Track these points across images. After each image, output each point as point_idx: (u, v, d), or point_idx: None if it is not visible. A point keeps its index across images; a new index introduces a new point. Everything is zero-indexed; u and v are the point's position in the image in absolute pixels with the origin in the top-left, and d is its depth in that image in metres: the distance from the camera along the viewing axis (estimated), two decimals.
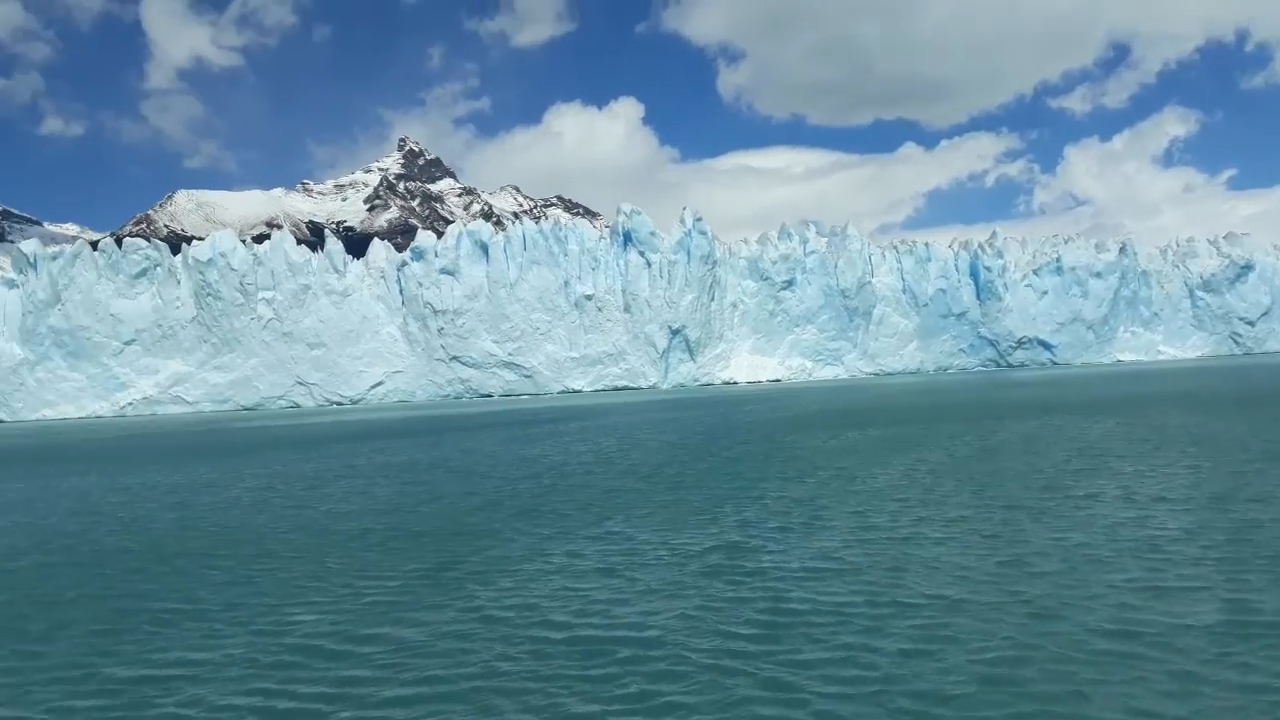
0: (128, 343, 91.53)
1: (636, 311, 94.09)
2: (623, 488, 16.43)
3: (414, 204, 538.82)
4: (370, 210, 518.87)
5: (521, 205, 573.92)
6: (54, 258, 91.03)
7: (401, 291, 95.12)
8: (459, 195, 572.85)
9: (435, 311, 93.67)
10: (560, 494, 16.07)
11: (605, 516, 13.32)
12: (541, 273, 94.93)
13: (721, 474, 17.81)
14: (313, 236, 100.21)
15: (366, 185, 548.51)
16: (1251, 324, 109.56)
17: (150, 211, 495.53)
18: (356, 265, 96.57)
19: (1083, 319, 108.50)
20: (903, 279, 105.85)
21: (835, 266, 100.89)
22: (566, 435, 30.55)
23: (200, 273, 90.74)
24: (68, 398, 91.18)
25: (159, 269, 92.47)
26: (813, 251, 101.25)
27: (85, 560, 11.94)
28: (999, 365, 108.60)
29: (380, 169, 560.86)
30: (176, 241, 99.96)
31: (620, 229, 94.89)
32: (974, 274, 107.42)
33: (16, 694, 6.78)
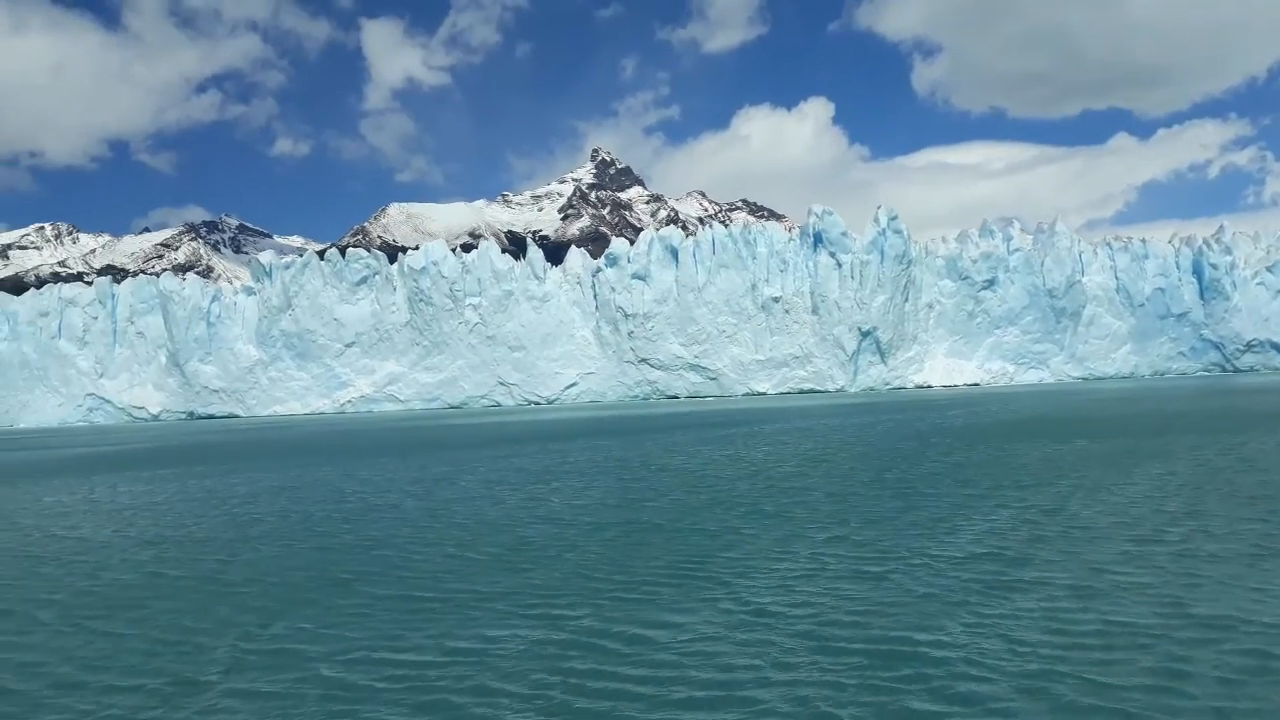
0: (348, 345, 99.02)
1: (825, 313, 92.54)
2: (847, 491, 16.20)
3: (604, 212, 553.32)
4: (564, 219, 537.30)
5: (707, 210, 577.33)
6: (286, 267, 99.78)
7: (595, 296, 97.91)
8: (647, 202, 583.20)
9: (626, 315, 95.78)
10: (783, 495, 16.04)
11: (839, 520, 13.19)
12: (729, 276, 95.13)
13: (949, 480, 17.22)
14: (512, 245, 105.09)
15: (561, 195, 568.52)
16: None
17: (366, 223, 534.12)
18: (555, 272, 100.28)
19: None
20: (1116, 277, 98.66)
21: (1041, 265, 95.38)
22: (764, 437, 30.43)
23: (414, 280, 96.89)
24: (295, 395, 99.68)
25: (377, 277, 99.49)
26: (1016, 249, 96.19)
27: (357, 546, 13.00)
28: (1224, 370, 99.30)
29: (574, 179, 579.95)
30: (390, 251, 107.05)
31: (811, 230, 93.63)
32: (1197, 272, 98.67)
33: (348, 668, 7.47)
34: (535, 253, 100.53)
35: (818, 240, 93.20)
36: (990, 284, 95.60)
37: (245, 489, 21.26)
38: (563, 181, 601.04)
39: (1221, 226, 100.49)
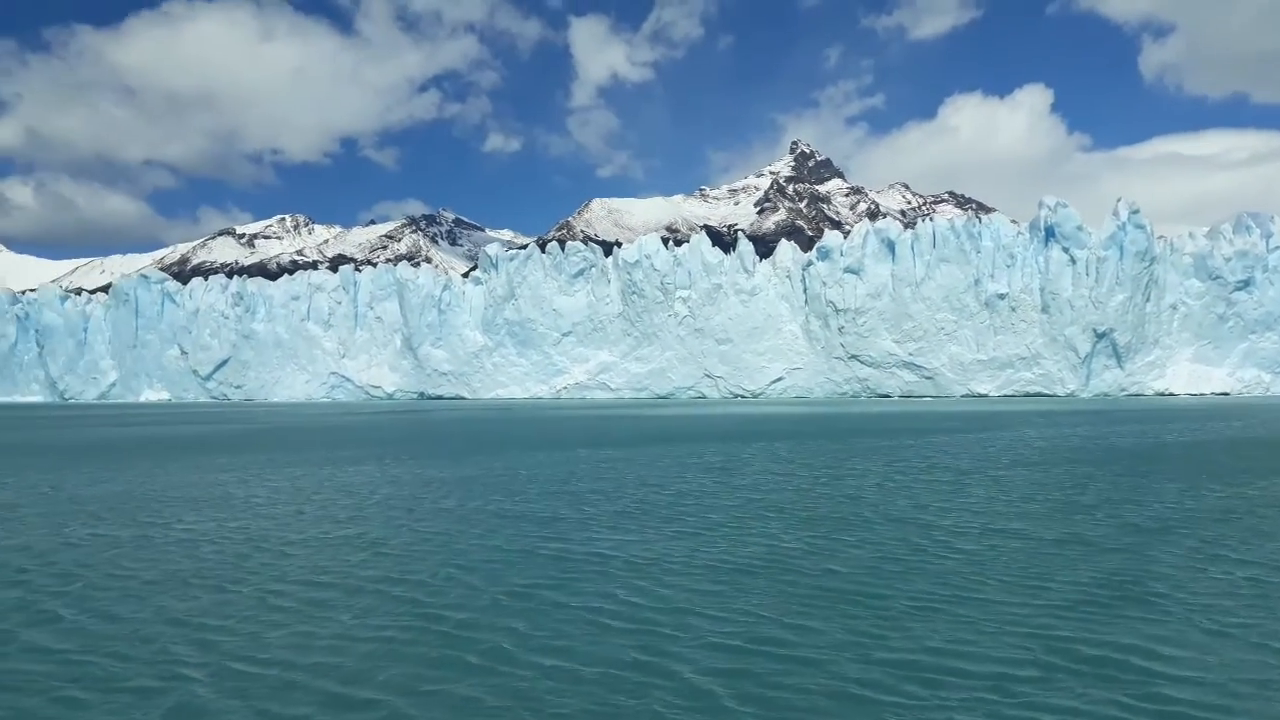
0: (565, 334, 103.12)
1: (1056, 312, 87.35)
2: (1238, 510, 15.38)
3: (801, 205, 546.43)
4: (760, 213, 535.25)
5: (909, 203, 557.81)
6: (510, 259, 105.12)
7: (805, 290, 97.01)
8: (845, 195, 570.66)
9: (837, 310, 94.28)
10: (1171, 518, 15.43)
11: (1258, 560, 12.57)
12: (950, 270, 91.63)
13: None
14: (711, 240, 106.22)
15: (757, 189, 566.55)
16: None
17: (570, 218, 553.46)
18: (764, 265, 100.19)
19: None
20: None
21: None
22: (1031, 441, 29.18)
23: (627, 273, 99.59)
24: (516, 380, 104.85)
25: (593, 269, 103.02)
26: (1277, 247, 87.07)
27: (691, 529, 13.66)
28: None
29: (771, 172, 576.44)
30: (563, 245, 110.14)
31: (1041, 224, 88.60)
32: None
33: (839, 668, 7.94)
34: (745, 246, 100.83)
35: (1049, 234, 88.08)
36: (1245, 284, 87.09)
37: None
38: (760, 175, 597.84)
39: None
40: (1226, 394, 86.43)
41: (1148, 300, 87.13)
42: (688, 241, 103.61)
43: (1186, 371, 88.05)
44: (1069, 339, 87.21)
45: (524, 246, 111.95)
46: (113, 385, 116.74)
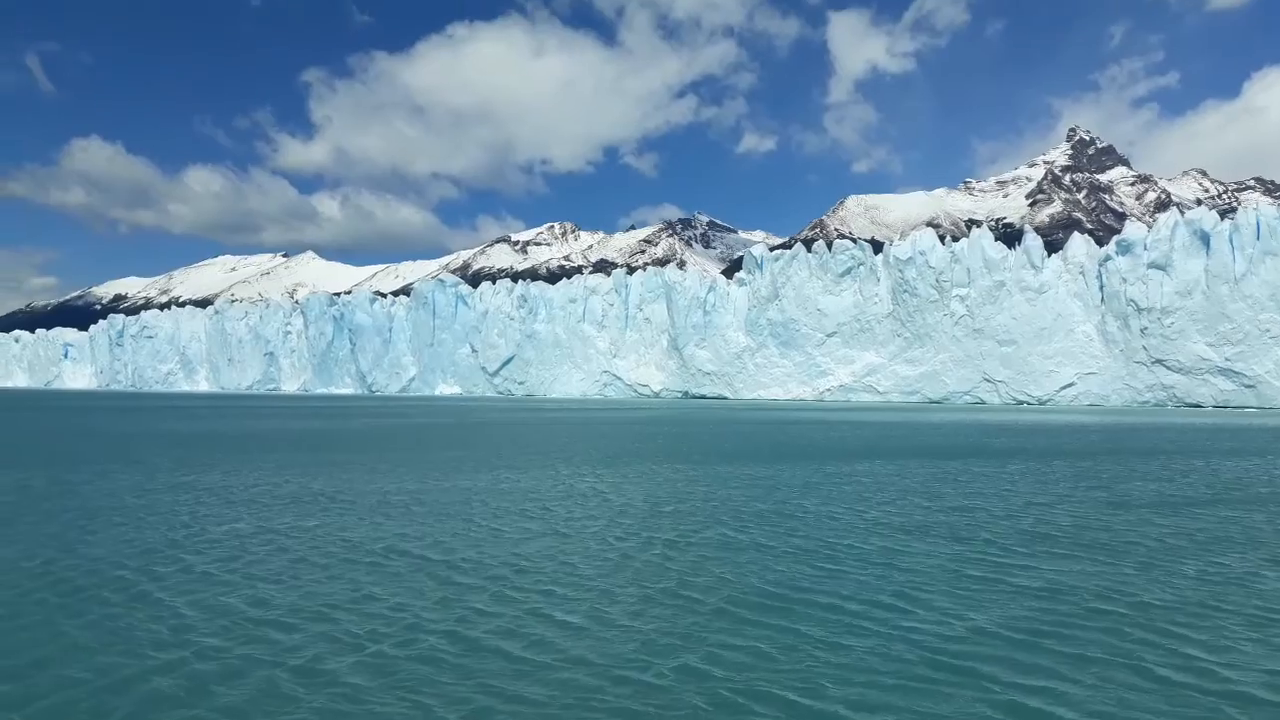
0: (830, 335, 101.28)
1: None
2: None
3: (1079, 196, 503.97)
4: (1031, 205, 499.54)
5: (1207, 191, 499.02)
6: (775, 259, 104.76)
7: (1101, 288, 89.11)
8: (1131, 184, 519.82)
9: (1139, 309, 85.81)
10: None
11: None
12: (1277, 265, 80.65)
13: None
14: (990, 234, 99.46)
15: (1030, 180, 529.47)
16: None
17: (824, 217, 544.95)
18: (1054, 261, 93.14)
19: None
20: None
21: None
22: None
23: (899, 270, 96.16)
24: (778, 381, 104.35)
25: (862, 268, 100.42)
26: None
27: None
28: None
29: (1045, 162, 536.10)
30: (829, 244, 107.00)
31: None
32: None
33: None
34: (1033, 240, 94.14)
35: None
36: None
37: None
38: (1032, 165, 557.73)
39: None
40: None
41: None
42: (957, 236, 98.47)
43: None
44: None
45: (781, 247, 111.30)
46: (412, 379, 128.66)
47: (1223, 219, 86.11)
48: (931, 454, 27.32)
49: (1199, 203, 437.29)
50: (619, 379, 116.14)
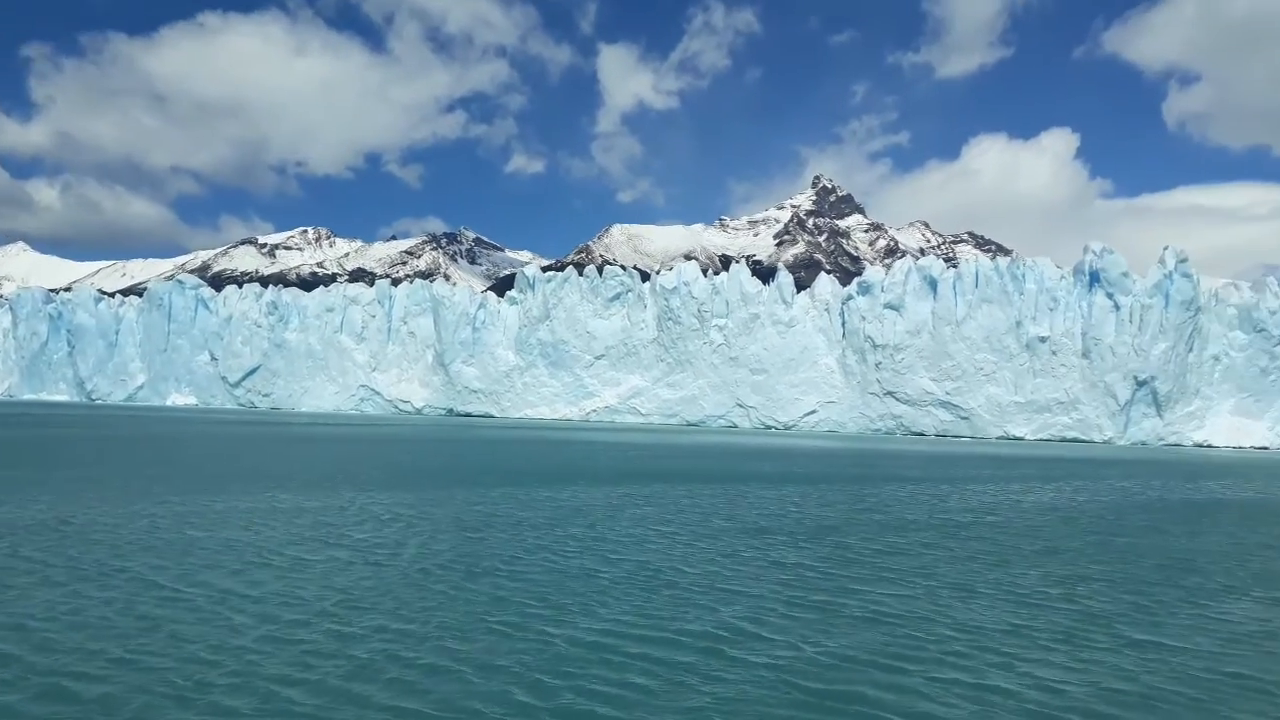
0: (598, 357, 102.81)
1: (1097, 358, 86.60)
2: None
3: (820, 239, 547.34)
4: (778, 245, 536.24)
5: (929, 241, 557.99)
6: (548, 280, 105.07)
7: (843, 325, 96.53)
8: (865, 231, 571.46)
9: (875, 345, 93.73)
10: None
11: None
12: (992, 311, 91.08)
13: None
14: (724, 270, 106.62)
15: (778, 221, 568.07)
16: None
17: (590, 242, 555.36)
18: (802, 298, 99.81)
19: None
20: None
21: None
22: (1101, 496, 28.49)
23: (665, 299, 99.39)
24: (545, 400, 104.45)
25: (630, 294, 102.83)
26: None
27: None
28: None
29: (793, 205, 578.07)
30: (600, 270, 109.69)
31: (1086, 268, 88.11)
32: None
33: None
34: (785, 277, 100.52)
35: (1093, 279, 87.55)
36: None
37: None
38: (780, 207, 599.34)
39: None
40: (1266, 448, 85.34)
41: (1190, 350, 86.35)
42: (711, 270, 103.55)
43: (1227, 424, 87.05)
44: (1109, 385, 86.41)
45: (550, 269, 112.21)
46: (140, 388, 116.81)
47: (947, 267, 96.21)
48: (718, 478, 28.07)
49: (922, 251, 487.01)
50: (378, 394, 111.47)
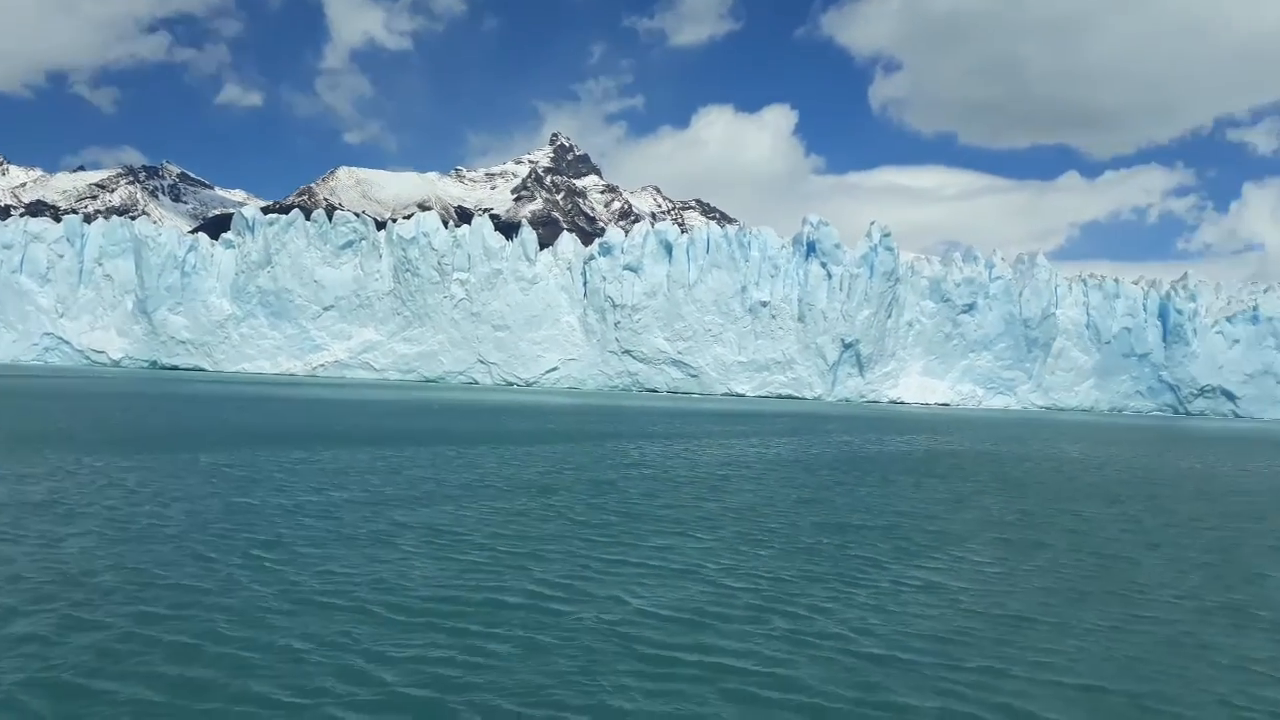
0: (327, 308, 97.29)
1: (811, 322, 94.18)
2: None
3: (558, 197, 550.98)
4: (516, 200, 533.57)
5: (660, 206, 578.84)
6: (270, 223, 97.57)
7: (585, 284, 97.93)
8: (601, 192, 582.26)
9: (615, 305, 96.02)
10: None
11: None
12: (721, 276, 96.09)
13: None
14: (461, 221, 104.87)
15: (516, 176, 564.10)
16: None
17: (314, 184, 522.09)
18: (545, 255, 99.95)
19: (1274, 372, 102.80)
20: (1088, 314, 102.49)
21: (1020, 295, 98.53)
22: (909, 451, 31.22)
23: (403, 249, 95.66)
24: (266, 354, 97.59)
25: (364, 242, 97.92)
26: (998, 277, 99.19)
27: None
28: (1176, 412, 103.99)
29: (530, 161, 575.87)
30: (330, 215, 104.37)
31: (804, 239, 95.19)
32: (1162, 315, 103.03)
33: None
34: (528, 234, 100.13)
35: (810, 249, 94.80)
36: (970, 308, 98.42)
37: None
38: (519, 162, 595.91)
39: (1186, 274, 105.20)
40: (947, 405, 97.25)
41: (889, 317, 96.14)
42: (448, 222, 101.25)
43: (916, 383, 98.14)
44: (820, 347, 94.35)
45: (272, 211, 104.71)
46: None
47: (681, 232, 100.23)
48: (481, 438, 27.54)
49: (654, 216, 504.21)
50: (66, 343, 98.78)
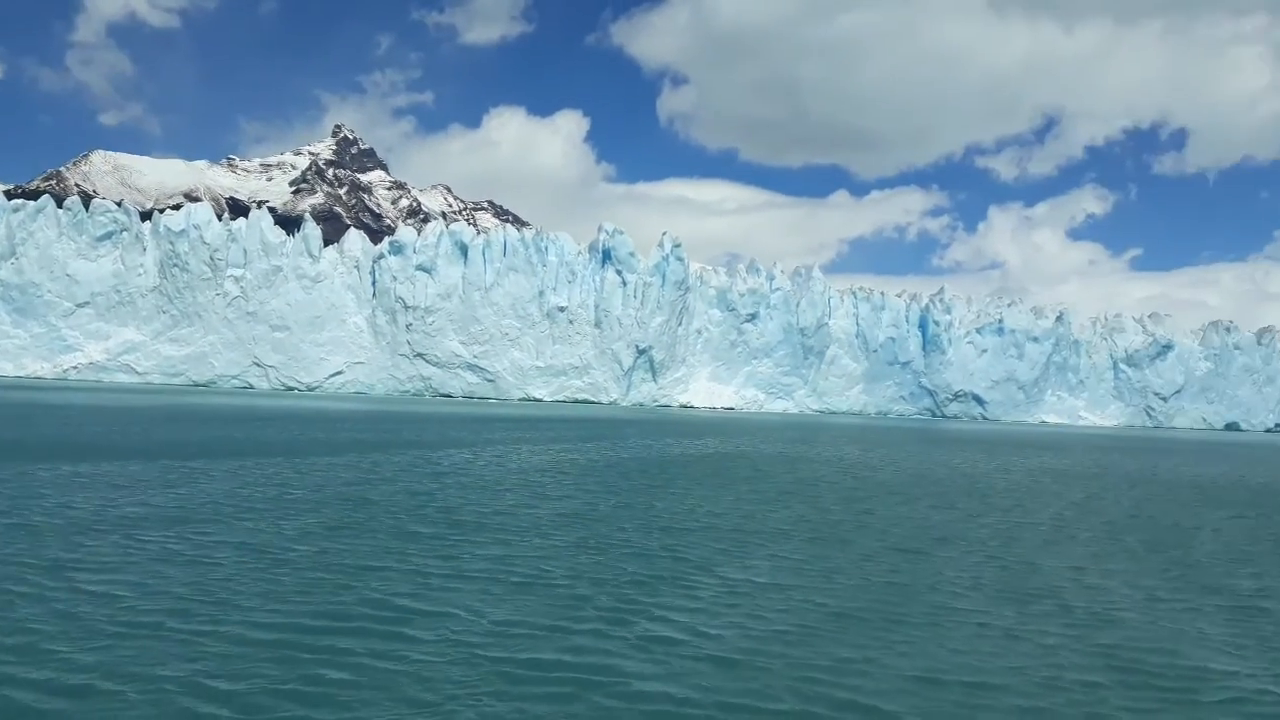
0: (80, 305, 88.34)
1: (607, 328, 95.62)
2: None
3: (341, 192, 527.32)
4: (295, 193, 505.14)
5: (451, 206, 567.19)
6: (15, 210, 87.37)
7: (374, 283, 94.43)
8: (388, 188, 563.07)
9: (406, 307, 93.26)
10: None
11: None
12: (518, 280, 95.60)
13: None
14: (234, 214, 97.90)
15: (295, 168, 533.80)
16: (1165, 399, 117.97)
17: (64, 169, 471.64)
18: (330, 252, 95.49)
19: (1015, 379, 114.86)
20: (857, 324, 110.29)
21: (798, 305, 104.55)
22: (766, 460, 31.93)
23: (170, 243, 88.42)
24: (8, 355, 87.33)
25: (126, 234, 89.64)
26: (778, 289, 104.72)
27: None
28: (934, 415, 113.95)
29: (311, 153, 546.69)
30: (86, 203, 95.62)
31: (600, 246, 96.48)
32: (922, 326, 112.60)
33: None
34: (313, 229, 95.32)
35: (606, 256, 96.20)
36: (753, 318, 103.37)
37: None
38: (298, 153, 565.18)
39: (942, 288, 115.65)
40: (732, 409, 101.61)
41: (680, 324, 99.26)
42: (220, 214, 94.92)
43: (704, 388, 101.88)
44: (615, 353, 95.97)
45: (15, 196, 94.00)
46: None
47: (478, 234, 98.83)
48: (275, 449, 25.94)
49: (444, 215, 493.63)
50: None
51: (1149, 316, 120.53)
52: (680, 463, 26.73)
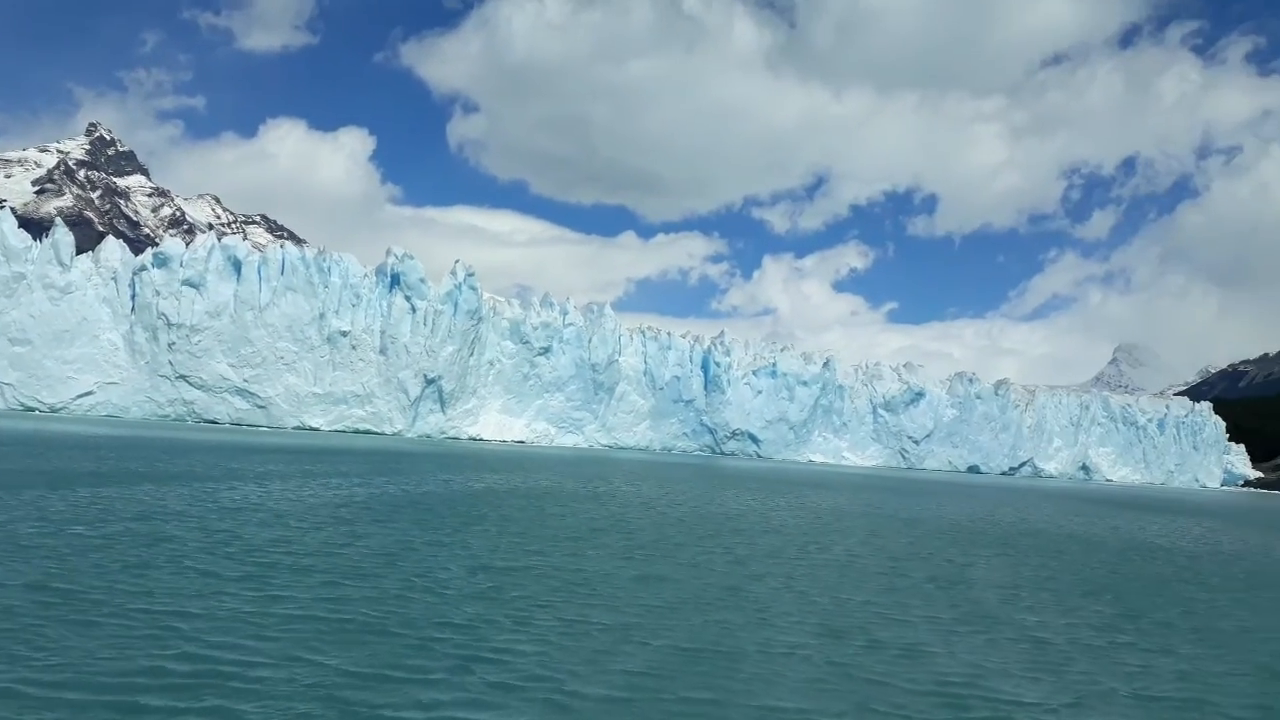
0: None
1: (393, 356, 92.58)
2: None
3: (94, 195, 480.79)
4: (40, 193, 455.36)
5: (220, 218, 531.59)
6: None
7: (134, 297, 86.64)
8: (149, 195, 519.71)
9: (170, 324, 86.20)
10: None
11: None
12: (296, 300, 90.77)
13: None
14: (13, 218, 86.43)
15: (40, 165, 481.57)
16: (917, 442, 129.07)
17: None
18: (84, 261, 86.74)
19: (787, 419, 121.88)
20: (645, 362, 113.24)
21: (590, 341, 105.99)
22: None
23: None
24: None
25: None
26: (571, 324, 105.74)
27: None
28: (714, 452, 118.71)
29: (60, 151, 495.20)
30: None
31: (388, 270, 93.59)
32: (705, 367, 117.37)
33: None
34: (64, 235, 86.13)
35: (394, 281, 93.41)
36: (546, 351, 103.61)
37: None
38: (45, 150, 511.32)
39: (723, 331, 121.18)
40: (523, 442, 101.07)
41: (471, 354, 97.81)
42: None
43: (495, 421, 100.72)
44: (402, 381, 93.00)
45: None
46: None
47: (253, 249, 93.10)
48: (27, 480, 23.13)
49: (211, 227, 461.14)
50: None
51: (904, 365, 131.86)
52: (487, 499, 26.30)
